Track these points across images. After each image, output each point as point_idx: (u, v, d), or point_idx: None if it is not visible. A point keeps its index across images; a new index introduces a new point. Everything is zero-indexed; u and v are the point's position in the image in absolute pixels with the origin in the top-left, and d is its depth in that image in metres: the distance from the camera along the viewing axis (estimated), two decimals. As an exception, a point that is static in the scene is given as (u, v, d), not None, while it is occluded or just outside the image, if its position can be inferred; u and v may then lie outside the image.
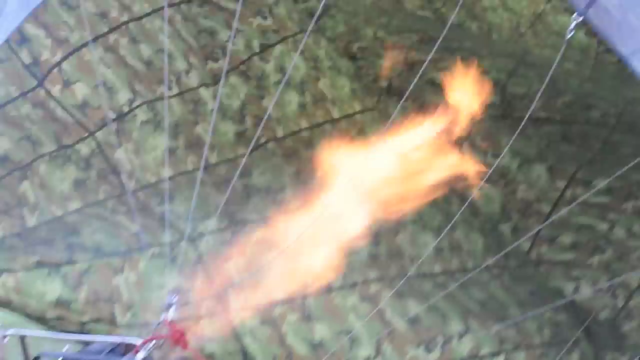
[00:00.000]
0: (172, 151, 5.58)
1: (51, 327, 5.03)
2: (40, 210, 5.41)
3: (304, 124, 6.29)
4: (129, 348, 4.02)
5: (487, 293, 5.86)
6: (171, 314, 4.08)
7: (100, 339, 4.06)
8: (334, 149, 6.01)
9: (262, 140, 6.03)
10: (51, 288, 4.97)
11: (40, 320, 5.00)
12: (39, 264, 5.01)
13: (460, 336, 5.47)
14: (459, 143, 6.41)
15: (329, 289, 5.46)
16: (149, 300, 5.04)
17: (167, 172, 5.34)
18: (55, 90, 5.59)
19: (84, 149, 5.59)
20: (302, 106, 6.32)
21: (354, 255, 5.58)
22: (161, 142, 5.65)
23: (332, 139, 6.18)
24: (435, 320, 5.47)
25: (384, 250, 5.77)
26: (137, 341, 3.99)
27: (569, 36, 3.35)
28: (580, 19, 3.41)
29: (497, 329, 5.53)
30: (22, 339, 4.34)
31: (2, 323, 3.20)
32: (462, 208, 4.29)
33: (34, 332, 4.57)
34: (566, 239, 6.19)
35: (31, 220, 5.37)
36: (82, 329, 5.00)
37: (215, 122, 5.93)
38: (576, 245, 6.29)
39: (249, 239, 5.42)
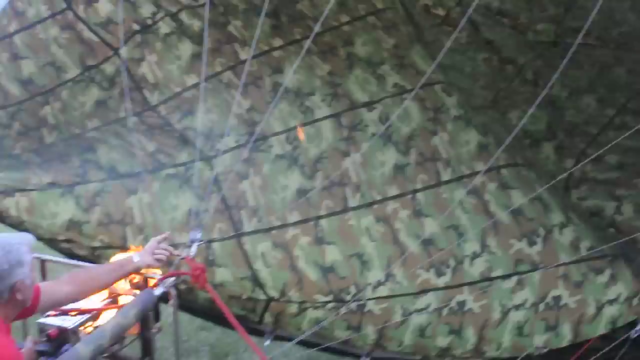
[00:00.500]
0: (199, 55, 5.37)
1: (60, 251, 5.08)
2: (59, 130, 5.43)
3: (344, 18, 5.98)
4: (148, 282, 4.08)
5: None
6: (194, 251, 4.09)
7: None
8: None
9: (297, 36, 5.79)
10: (64, 209, 5.03)
11: (52, 243, 5.05)
12: (52, 184, 5.03)
13: (474, 257, 5.24)
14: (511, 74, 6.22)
15: (344, 209, 5.32)
16: (162, 223, 5.01)
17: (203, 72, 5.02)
18: (80, 10, 5.61)
19: (109, 68, 5.59)
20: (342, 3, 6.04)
21: (376, 169, 5.41)
22: (185, 49, 5.57)
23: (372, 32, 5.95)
24: (451, 239, 5.23)
25: (413, 159, 5.51)
26: (157, 276, 4.04)
27: None
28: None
29: (516, 250, 5.26)
30: (43, 263, 4.43)
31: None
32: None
33: (55, 258, 4.68)
34: (612, 159, 6.00)
35: (49, 139, 5.46)
36: (92, 254, 5.02)
37: (249, 16, 5.71)
38: (622, 165, 6.11)
39: (267, 157, 5.25)
